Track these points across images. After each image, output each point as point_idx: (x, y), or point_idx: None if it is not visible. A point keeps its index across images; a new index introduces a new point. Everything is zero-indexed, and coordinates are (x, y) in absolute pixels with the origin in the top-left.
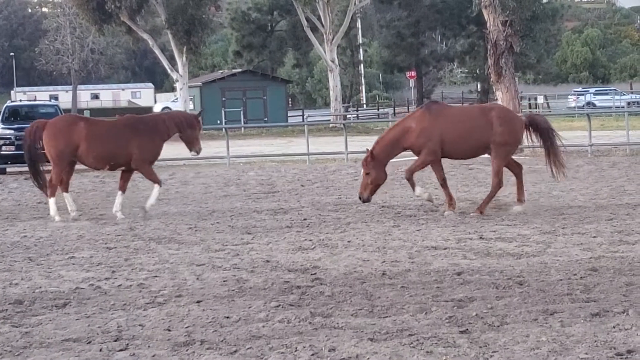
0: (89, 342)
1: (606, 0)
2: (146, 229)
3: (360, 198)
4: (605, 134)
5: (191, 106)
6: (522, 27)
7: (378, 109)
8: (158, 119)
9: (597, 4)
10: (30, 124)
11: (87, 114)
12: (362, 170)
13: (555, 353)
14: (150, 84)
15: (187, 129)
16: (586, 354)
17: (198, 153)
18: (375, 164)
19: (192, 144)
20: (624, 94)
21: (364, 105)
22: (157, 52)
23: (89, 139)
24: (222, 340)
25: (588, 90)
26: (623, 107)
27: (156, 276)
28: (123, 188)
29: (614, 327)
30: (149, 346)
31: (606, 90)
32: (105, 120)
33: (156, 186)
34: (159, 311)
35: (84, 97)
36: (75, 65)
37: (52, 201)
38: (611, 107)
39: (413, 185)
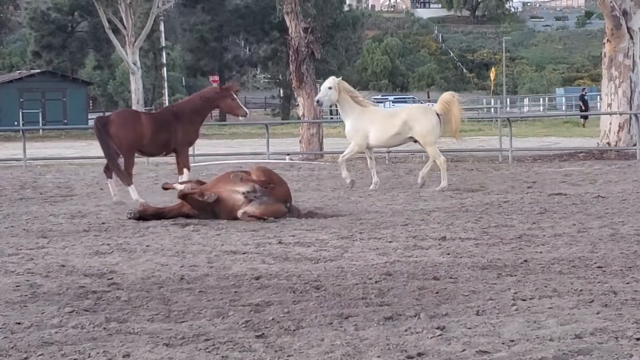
0: None
1: (405, 10)
2: None
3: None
4: None
5: None
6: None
7: None
8: (195, 101)
9: (396, 14)
10: (95, 119)
11: None
12: None
13: (349, 356)
14: None
15: (220, 100)
16: (378, 357)
17: (245, 116)
18: None
19: (235, 111)
20: (421, 102)
21: None
22: None
23: (151, 129)
24: (12, 347)
25: (387, 98)
26: None
27: None
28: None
29: (405, 330)
30: None
31: (405, 98)
32: (154, 112)
33: (186, 171)
34: None
35: None
36: None
37: (131, 188)
38: None
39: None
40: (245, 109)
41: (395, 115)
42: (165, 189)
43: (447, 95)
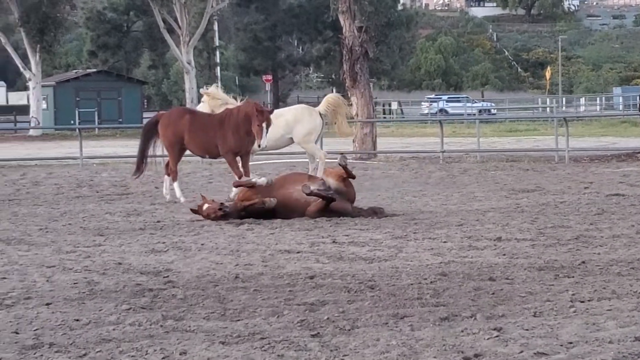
0: None
1: (459, 9)
2: None
3: None
4: (456, 141)
5: (44, 106)
6: (378, 33)
7: None
8: (237, 112)
9: (450, 13)
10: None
11: None
12: None
13: (405, 357)
14: (2, 82)
15: (252, 118)
16: (435, 357)
17: (259, 148)
18: None
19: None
20: (475, 102)
21: None
22: (10, 49)
23: (191, 130)
24: (71, 344)
25: (441, 97)
26: (474, 114)
27: (4, 278)
28: (247, 173)
29: (462, 331)
30: None
31: (458, 97)
32: (205, 114)
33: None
34: (6, 314)
35: None
36: None
37: (175, 185)
38: (463, 114)
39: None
40: (264, 141)
41: (280, 116)
42: (236, 186)
43: (332, 96)
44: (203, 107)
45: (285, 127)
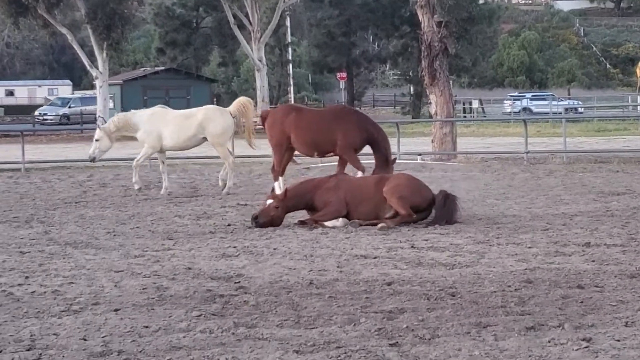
0: (0, 352)
1: (544, 2)
2: (62, 232)
3: None
4: (541, 141)
5: (111, 105)
6: (458, 28)
7: None
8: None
9: (535, 6)
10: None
11: (0, 111)
12: None
13: None
14: (69, 81)
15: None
16: None
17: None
18: None
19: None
20: (561, 100)
21: None
22: (76, 47)
23: (299, 127)
24: (140, 351)
25: (524, 95)
26: (560, 113)
27: (72, 283)
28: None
29: (549, 341)
30: (63, 356)
31: (543, 95)
32: (313, 109)
33: (359, 173)
34: (74, 319)
35: None
36: None
37: (276, 184)
38: (548, 113)
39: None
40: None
41: (191, 116)
42: None
43: (244, 99)
44: (99, 147)
45: (197, 127)
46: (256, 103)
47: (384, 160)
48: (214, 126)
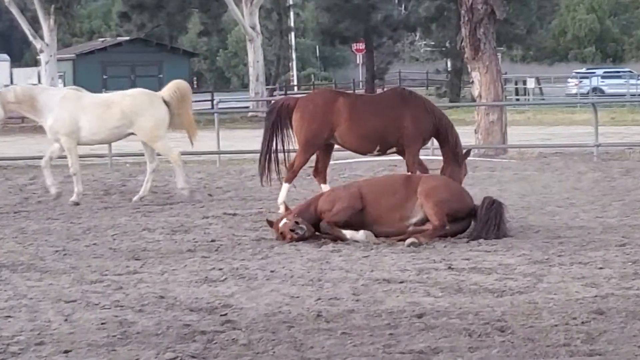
0: None
1: None
2: None
3: None
4: (616, 131)
5: (60, 85)
6: None
7: None
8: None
9: None
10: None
11: None
12: None
13: None
14: (6, 55)
15: None
16: None
17: None
18: None
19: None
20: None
21: (295, 88)
22: (15, 12)
23: (352, 117)
24: None
25: (594, 72)
26: None
27: (9, 317)
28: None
29: None
30: None
31: (618, 72)
32: (366, 95)
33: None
34: None
35: None
36: None
37: (285, 187)
38: (625, 95)
39: None
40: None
41: (113, 104)
42: None
43: (180, 81)
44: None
45: (121, 118)
46: (249, 82)
47: (454, 154)
48: (144, 120)
